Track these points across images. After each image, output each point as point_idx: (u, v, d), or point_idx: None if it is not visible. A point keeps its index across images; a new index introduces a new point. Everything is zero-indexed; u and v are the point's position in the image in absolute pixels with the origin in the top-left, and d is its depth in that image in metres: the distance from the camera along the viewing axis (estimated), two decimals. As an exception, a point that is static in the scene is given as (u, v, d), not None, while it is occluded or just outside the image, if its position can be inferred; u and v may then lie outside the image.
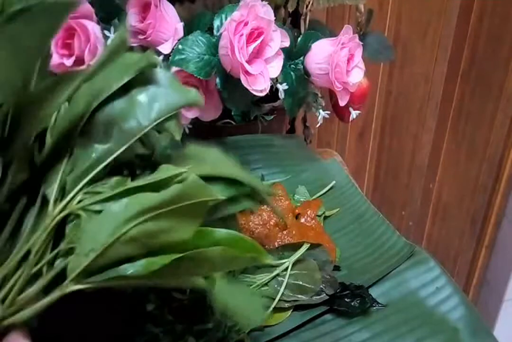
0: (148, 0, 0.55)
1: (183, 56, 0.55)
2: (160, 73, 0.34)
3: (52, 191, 0.31)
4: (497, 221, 1.34)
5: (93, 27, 0.54)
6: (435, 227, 1.38)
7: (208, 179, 0.33)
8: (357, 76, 0.60)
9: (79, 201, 0.31)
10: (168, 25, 0.56)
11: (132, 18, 0.56)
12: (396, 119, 1.17)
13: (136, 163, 0.34)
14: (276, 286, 0.47)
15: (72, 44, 0.54)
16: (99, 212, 0.30)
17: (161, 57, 0.57)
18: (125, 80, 0.32)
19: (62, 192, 0.31)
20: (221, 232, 0.31)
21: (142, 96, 0.33)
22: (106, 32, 0.56)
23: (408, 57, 1.08)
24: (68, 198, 0.30)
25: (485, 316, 1.41)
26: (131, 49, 0.56)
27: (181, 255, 0.28)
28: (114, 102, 0.32)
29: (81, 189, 0.31)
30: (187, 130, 0.62)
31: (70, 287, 0.29)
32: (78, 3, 0.27)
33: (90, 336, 0.43)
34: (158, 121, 0.32)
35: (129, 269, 0.29)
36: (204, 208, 0.30)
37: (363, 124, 1.15)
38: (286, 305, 0.46)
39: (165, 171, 0.31)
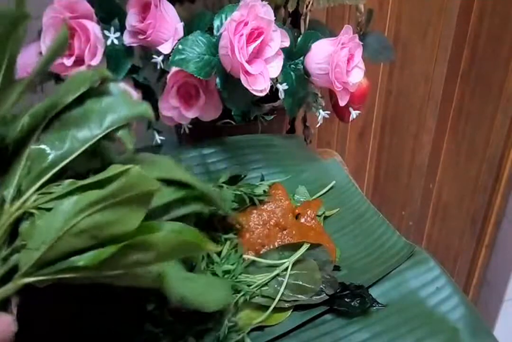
0: (148, 0, 0.55)
1: (183, 56, 0.55)
2: (113, 87, 0.37)
3: (9, 192, 0.33)
4: (497, 221, 1.34)
5: (93, 27, 0.54)
6: (435, 227, 1.38)
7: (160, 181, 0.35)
8: (357, 76, 0.60)
9: (34, 201, 0.33)
10: (168, 25, 0.56)
11: (132, 18, 0.56)
12: (396, 119, 1.17)
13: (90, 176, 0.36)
14: (276, 286, 0.47)
15: (72, 44, 0.54)
16: (52, 209, 0.32)
17: (161, 57, 0.57)
18: (81, 91, 0.35)
19: (19, 193, 0.33)
20: (166, 223, 0.33)
21: (95, 107, 0.36)
22: (106, 32, 0.56)
23: (408, 57, 1.08)
24: (23, 198, 0.33)
25: (485, 316, 1.41)
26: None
27: (126, 242, 0.30)
28: (70, 112, 0.35)
29: (36, 190, 0.33)
30: (187, 130, 0.62)
31: (23, 279, 0.31)
32: (29, 17, 0.31)
33: (89, 337, 0.43)
34: (109, 130, 0.35)
35: (79, 260, 0.31)
36: (148, 199, 0.32)
37: (363, 124, 1.15)
38: (286, 305, 0.46)
39: (112, 170, 0.32)
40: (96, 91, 0.37)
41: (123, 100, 0.37)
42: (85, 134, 0.35)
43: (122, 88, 0.38)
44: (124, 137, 0.37)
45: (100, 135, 0.35)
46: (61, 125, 0.35)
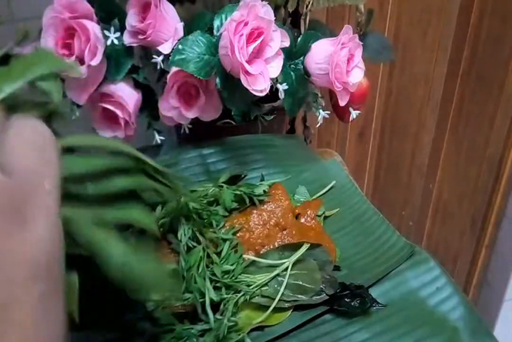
0: (148, 0, 0.55)
1: (183, 56, 0.55)
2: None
3: None
4: (497, 221, 1.34)
5: (93, 27, 0.54)
6: (435, 227, 1.38)
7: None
8: (357, 76, 0.60)
9: None
10: (168, 25, 0.56)
11: (132, 18, 0.56)
12: (396, 119, 1.17)
13: None
14: (276, 286, 0.47)
15: (72, 44, 0.54)
16: None
17: (161, 57, 0.57)
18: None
19: None
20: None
21: (19, 61, 0.34)
22: (106, 32, 0.56)
23: (408, 57, 1.08)
24: None
25: (485, 316, 1.41)
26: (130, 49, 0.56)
27: None
28: None
29: None
30: (187, 130, 0.62)
31: None
32: None
33: (89, 337, 0.43)
34: (31, 79, 0.32)
35: None
36: None
37: (363, 124, 1.15)
38: (286, 305, 0.46)
39: None
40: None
41: (48, 54, 0.35)
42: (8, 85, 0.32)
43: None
44: (48, 88, 0.34)
45: (21, 84, 0.32)
46: None
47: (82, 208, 0.33)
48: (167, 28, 0.56)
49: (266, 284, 0.47)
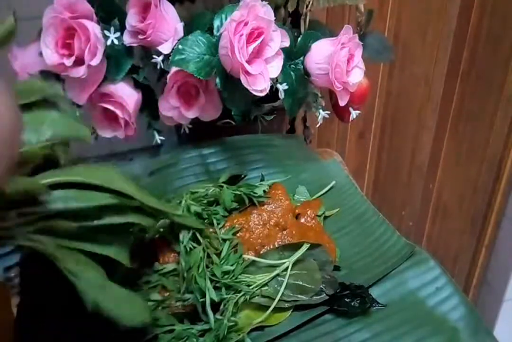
0: (148, 0, 0.55)
1: (183, 56, 0.55)
2: (64, 104, 0.39)
3: None
4: (497, 221, 1.34)
5: (93, 27, 0.54)
6: (435, 227, 1.38)
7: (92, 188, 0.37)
8: (357, 76, 0.60)
9: None
10: (168, 25, 0.56)
11: (132, 18, 0.56)
12: (396, 119, 1.17)
13: None
14: (276, 286, 0.47)
15: (72, 44, 0.54)
16: None
17: (161, 57, 0.57)
18: (32, 100, 0.37)
19: None
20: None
21: (39, 117, 0.37)
22: (106, 32, 0.56)
23: (408, 57, 1.08)
24: None
25: (485, 316, 1.41)
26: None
27: None
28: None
29: None
30: (187, 130, 0.62)
31: None
32: None
33: (89, 337, 0.43)
34: (44, 144, 0.36)
35: None
36: None
37: (363, 124, 1.15)
38: (286, 305, 0.46)
39: None
40: (47, 103, 0.38)
41: (67, 119, 0.38)
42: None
43: (71, 107, 0.39)
44: (58, 152, 0.38)
45: (34, 146, 0.35)
46: None
47: (65, 242, 0.36)
48: (167, 28, 0.56)
49: (266, 284, 0.47)
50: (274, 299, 0.46)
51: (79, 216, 0.37)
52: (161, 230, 0.48)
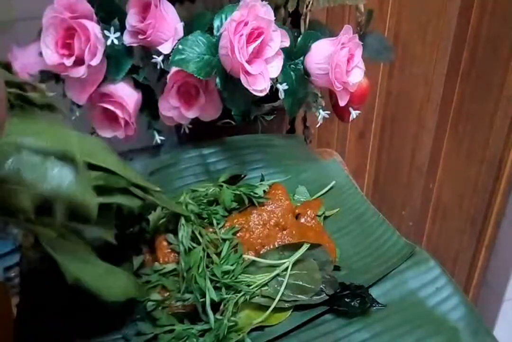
0: (148, 0, 0.55)
1: (183, 56, 0.55)
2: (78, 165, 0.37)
3: None
4: (497, 221, 1.34)
5: (93, 27, 0.54)
6: (435, 227, 1.38)
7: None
8: (357, 76, 0.60)
9: None
10: (168, 25, 0.56)
11: (132, 18, 0.56)
12: (396, 119, 1.17)
13: None
14: (276, 286, 0.47)
15: (72, 44, 0.54)
16: None
17: (161, 57, 0.57)
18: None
19: None
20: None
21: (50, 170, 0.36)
22: (106, 32, 0.56)
23: (408, 57, 1.08)
24: None
25: (485, 316, 1.41)
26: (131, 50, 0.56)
27: None
28: (27, 156, 0.35)
29: None
30: (187, 130, 0.62)
31: None
32: None
33: (89, 337, 0.43)
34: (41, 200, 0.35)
35: None
36: None
37: (363, 124, 1.15)
38: (286, 305, 0.46)
39: None
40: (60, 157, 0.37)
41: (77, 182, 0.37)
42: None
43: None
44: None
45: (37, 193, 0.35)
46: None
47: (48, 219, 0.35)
48: (167, 28, 0.56)
49: (266, 284, 0.47)
50: (274, 299, 0.46)
51: None
52: (161, 229, 0.48)
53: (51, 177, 0.35)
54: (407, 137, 1.21)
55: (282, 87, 0.59)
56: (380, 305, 0.48)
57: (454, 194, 1.31)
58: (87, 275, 0.38)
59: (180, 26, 0.57)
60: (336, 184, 0.62)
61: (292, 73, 0.60)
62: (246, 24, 0.52)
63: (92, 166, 0.38)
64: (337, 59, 0.57)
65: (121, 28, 0.57)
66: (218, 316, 0.44)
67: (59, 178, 0.35)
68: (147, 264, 0.49)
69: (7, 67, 0.41)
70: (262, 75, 0.55)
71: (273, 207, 0.53)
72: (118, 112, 0.57)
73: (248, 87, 0.53)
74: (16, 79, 0.40)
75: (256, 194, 0.53)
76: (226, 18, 0.56)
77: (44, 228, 0.36)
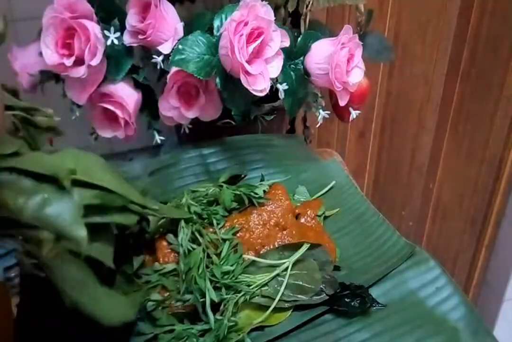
0: (148, 0, 0.55)
1: (183, 56, 0.55)
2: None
3: None
4: (497, 221, 1.34)
5: (93, 27, 0.54)
6: (435, 227, 1.38)
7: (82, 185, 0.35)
8: (357, 76, 0.60)
9: None
10: (168, 25, 0.56)
11: (132, 18, 0.56)
12: (396, 119, 1.17)
13: None
14: (276, 286, 0.47)
15: (72, 44, 0.54)
16: None
17: (161, 57, 0.57)
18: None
19: None
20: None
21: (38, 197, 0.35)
22: (106, 32, 0.56)
23: (408, 57, 1.08)
24: None
25: (485, 316, 1.41)
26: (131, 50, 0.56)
27: None
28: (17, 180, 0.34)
29: None
30: (187, 130, 0.62)
31: None
32: None
33: (89, 337, 0.43)
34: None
35: None
36: None
37: (363, 124, 1.15)
38: (286, 305, 0.46)
39: None
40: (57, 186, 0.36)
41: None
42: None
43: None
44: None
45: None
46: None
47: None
48: (167, 28, 0.56)
49: (266, 284, 0.47)
50: (274, 299, 0.46)
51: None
52: (161, 230, 0.48)
53: (37, 204, 0.34)
54: (407, 137, 1.21)
55: (282, 87, 0.59)
56: (380, 305, 0.48)
57: (454, 194, 1.31)
58: (85, 298, 0.37)
59: (180, 26, 0.57)
60: (336, 184, 0.62)
61: (292, 73, 0.60)
62: (246, 24, 0.52)
63: (89, 185, 0.37)
64: (337, 59, 0.57)
65: (121, 28, 0.57)
66: (218, 316, 0.44)
67: (46, 206, 0.34)
68: (147, 264, 0.49)
69: (15, 93, 0.41)
70: (262, 75, 0.55)
71: (273, 207, 0.53)
72: (118, 112, 0.57)
73: (248, 87, 0.53)
74: (22, 104, 0.40)
75: (256, 194, 0.53)
76: (226, 18, 0.56)
77: (38, 247, 0.35)
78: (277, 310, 0.46)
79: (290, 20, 0.65)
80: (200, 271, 0.45)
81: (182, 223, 0.49)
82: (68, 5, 0.53)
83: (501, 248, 1.35)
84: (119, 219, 0.39)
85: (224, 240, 0.49)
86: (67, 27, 0.53)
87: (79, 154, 0.39)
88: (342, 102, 0.61)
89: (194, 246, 0.48)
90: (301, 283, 0.47)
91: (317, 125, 0.66)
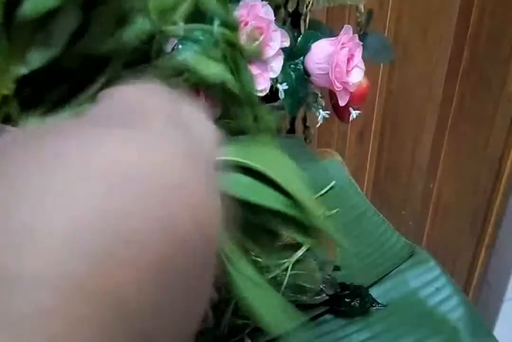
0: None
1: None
2: None
3: None
4: (497, 221, 1.34)
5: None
6: (435, 227, 1.38)
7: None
8: (357, 76, 0.60)
9: None
10: (168, 25, 0.56)
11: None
12: (396, 119, 1.17)
13: None
14: (276, 286, 0.47)
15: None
16: None
17: (161, 57, 0.57)
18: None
19: None
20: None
21: None
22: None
23: (408, 57, 1.08)
24: None
25: (485, 316, 1.41)
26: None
27: None
28: None
29: None
30: (187, 130, 0.62)
31: None
32: None
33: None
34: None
35: None
36: None
37: (363, 124, 1.15)
38: (286, 305, 0.46)
39: None
40: None
41: None
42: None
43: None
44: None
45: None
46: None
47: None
48: (167, 28, 0.56)
49: (266, 284, 0.47)
50: (274, 299, 0.46)
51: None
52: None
53: None
54: (407, 137, 1.21)
55: (282, 87, 0.59)
56: (380, 305, 0.48)
57: (454, 194, 1.31)
58: (258, 301, 0.30)
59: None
60: (336, 184, 0.62)
61: (292, 73, 0.60)
62: (246, 24, 0.52)
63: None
64: (337, 59, 0.57)
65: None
66: (218, 316, 0.44)
67: None
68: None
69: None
70: (262, 75, 0.55)
71: (273, 207, 0.53)
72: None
73: (248, 87, 0.53)
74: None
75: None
76: (226, 18, 0.56)
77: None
78: (277, 310, 0.46)
79: (290, 20, 0.65)
80: (200, 271, 0.45)
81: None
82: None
83: (501, 248, 1.35)
84: (300, 238, 0.31)
85: (224, 240, 0.49)
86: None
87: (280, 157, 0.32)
88: (342, 102, 0.61)
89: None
90: (301, 283, 0.47)
91: (317, 125, 0.66)
